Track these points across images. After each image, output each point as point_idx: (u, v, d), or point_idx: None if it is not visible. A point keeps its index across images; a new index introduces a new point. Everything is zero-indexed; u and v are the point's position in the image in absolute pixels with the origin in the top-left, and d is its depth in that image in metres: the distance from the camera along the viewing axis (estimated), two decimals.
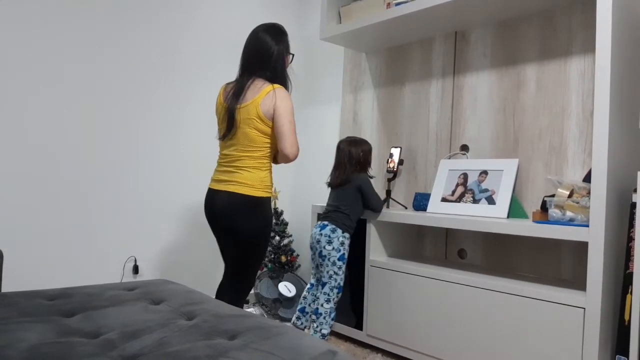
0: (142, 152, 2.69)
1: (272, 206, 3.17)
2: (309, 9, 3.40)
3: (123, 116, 2.61)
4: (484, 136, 2.41)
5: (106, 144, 2.56)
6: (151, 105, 2.72)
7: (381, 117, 2.89)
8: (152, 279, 1.87)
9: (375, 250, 2.43)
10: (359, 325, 2.46)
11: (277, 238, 3.10)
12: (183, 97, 2.86)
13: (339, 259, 2.30)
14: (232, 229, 1.97)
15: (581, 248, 2.03)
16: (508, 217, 2.09)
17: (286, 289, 2.90)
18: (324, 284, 2.32)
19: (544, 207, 1.96)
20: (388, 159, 2.71)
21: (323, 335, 2.29)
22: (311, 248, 2.39)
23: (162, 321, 1.31)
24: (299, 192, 3.39)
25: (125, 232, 2.64)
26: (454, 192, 2.32)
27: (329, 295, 2.30)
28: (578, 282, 2.01)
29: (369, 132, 2.96)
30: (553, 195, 1.92)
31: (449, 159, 2.51)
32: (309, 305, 2.42)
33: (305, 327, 2.42)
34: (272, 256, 3.04)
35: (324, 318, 2.29)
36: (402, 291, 2.24)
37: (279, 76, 1.98)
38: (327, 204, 2.42)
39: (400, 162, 2.68)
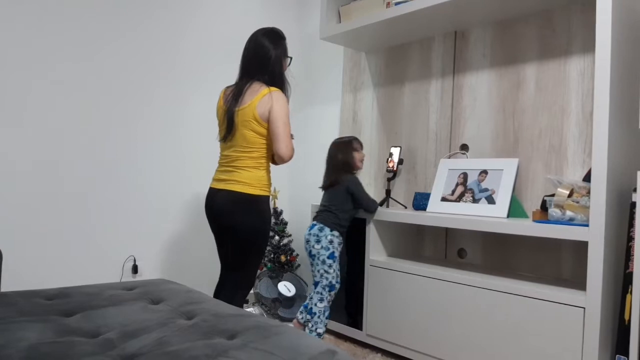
0: (142, 151, 2.69)
1: (272, 206, 3.18)
2: (308, 8, 3.40)
3: (122, 116, 2.61)
4: (484, 136, 2.40)
5: (106, 144, 2.56)
6: (151, 104, 2.72)
7: (381, 116, 2.89)
8: (152, 279, 1.87)
9: (375, 250, 2.43)
10: (358, 325, 2.46)
11: (277, 238, 3.10)
12: (183, 97, 2.85)
13: (328, 257, 2.32)
14: (231, 226, 2.01)
15: (581, 247, 2.03)
16: (508, 216, 2.09)
17: (286, 288, 2.89)
18: (316, 284, 2.35)
19: (544, 207, 1.96)
20: (388, 159, 2.71)
21: (319, 335, 2.29)
22: (305, 249, 2.41)
23: (162, 321, 1.31)
24: (299, 192, 3.39)
25: (125, 232, 2.64)
26: (453, 191, 2.32)
27: (321, 294, 2.32)
28: (578, 281, 2.01)
29: (368, 132, 2.96)
30: (553, 195, 1.92)
31: (449, 158, 2.50)
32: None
33: (305, 322, 2.43)
34: (272, 256, 3.04)
35: (318, 317, 2.31)
36: (402, 291, 2.24)
37: (276, 79, 2.02)
38: (319, 205, 2.45)
39: (400, 161, 2.68)
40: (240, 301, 2.09)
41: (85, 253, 2.50)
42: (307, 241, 2.37)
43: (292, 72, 2.17)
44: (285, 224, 3.18)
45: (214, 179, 2.10)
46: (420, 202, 2.41)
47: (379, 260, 2.37)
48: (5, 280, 2.13)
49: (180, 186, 2.86)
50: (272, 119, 1.93)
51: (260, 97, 1.94)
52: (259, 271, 2.84)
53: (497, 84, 2.37)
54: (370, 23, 2.48)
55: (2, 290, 2.03)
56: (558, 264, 2.13)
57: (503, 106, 2.34)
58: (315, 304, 2.32)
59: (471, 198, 2.24)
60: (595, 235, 1.68)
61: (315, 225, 2.36)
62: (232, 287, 2.10)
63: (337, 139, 2.53)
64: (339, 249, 2.36)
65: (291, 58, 2.14)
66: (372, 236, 2.42)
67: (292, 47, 3.37)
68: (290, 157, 1.97)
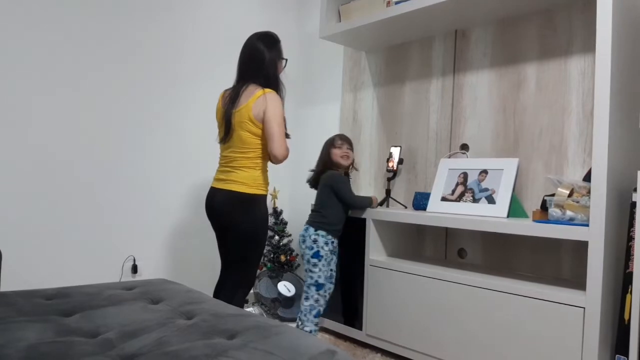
0: (142, 151, 2.69)
1: (272, 205, 3.18)
2: (308, 7, 3.39)
3: (123, 116, 2.61)
4: (484, 135, 2.40)
5: (106, 144, 2.55)
6: (151, 104, 2.72)
7: (381, 116, 2.89)
8: (151, 279, 1.87)
9: (375, 250, 2.43)
10: (358, 325, 2.45)
11: (277, 238, 3.09)
12: (184, 97, 2.85)
13: (312, 257, 2.35)
14: (230, 225, 2.06)
15: (581, 247, 2.03)
16: (508, 216, 2.09)
17: (285, 288, 2.89)
18: (305, 282, 2.39)
19: (544, 207, 1.95)
20: (388, 158, 2.71)
21: (309, 332, 2.31)
22: None
23: (161, 320, 1.30)
24: (299, 192, 3.39)
25: (124, 232, 2.64)
26: (453, 191, 2.32)
27: (307, 292, 2.36)
28: (578, 281, 2.00)
29: (368, 131, 2.96)
30: (553, 195, 1.92)
31: (449, 158, 2.50)
32: None
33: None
34: (272, 256, 3.04)
35: (305, 315, 2.35)
36: (402, 291, 2.24)
37: (271, 81, 2.08)
38: None
39: (400, 161, 2.67)
40: (240, 301, 2.10)
41: (85, 253, 2.50)
42: (298, 242, 2.45)
43: (286, 74, 2.21)
44: (285, 224, 3.18)
45: (214, 179, 2.15)
46: (421, 201, 2.41)
47: (378, 260, 2.37)
48: (5, 280, 2.13)
49: (180, 186, 2.86)
50: (267, 120, 1.98)
51: (255, 98, 1.99)
52: (258, 271, 2.83)
53: (497, 84, 2.36)
54: (370, 22, 2.48)
55: (2, 290, 2.03)
56: (558, 263, 2.12)
57: (503, 106, 2.34)
58: (302, 302, 2.37)
59: (471, 198, 2.23)
60: (595, 235, 1.68)
61: (304, 226, 2.42)
62: (232, 287, 2.11)
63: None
64: (327, 248, 2.36)
65: (286, 60, 2.18)
66: (372, 236, 2.41)
67: (292, 46, 3.39)
68: (285, 157, 2.02)
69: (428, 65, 2.66)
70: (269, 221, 3.03)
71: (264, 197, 2.10)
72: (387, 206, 2.65)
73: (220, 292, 2.16)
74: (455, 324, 2.03)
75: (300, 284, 2.98)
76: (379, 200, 2.65)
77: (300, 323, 2.35)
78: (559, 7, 2.16)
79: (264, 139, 2.03)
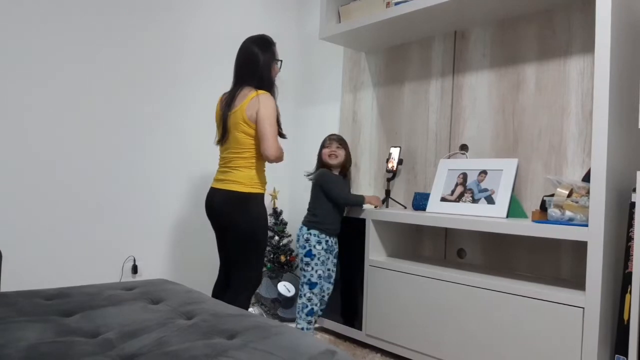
0: (141, 151, 2.69)
1: (272, 206, 3.18)
2: (308, 8, 3.40)
3: (122, 116, 2.61)
4: (484, 136, 2.40)
5: (106, 144, 2.56)
6: (151, 104, 2.72)
7: (380, 116, 2.89)
8: (151, 279, 1.87)
9: (375, 250, 2.43)
10: (358, 325, 2.46)
11: (277, 238, 3.10)
12: (184, 97, 2.85)
13: (305, 255, 2.38)
14: (229, 224, 2.10)
15: (580, 247, 2.03)
16: (507, 216, 2.09)
17: (285, 288, 2.90)
18: (299, 281, 2.43)
19: (543, 207, 1.96)
20: (387, 159, 2.71)
21: (301, 329, 2.33)
22: None
23: (161, 321, 1.31)
24: (298, 192, 3.39)
25: (124, 232, 2.64)
26: (453, 191, 2.32)
27: (301, 291, 2.40)
28: (577, 281, 2.01)
29: (368, 132, 2.96)
30: (552, 195, 1.92)
31: (449, 158, 2.50)
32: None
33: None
34: (272, 256, 3.04)
35: (298, 313, 2.39)
36: (402, 291, 2.24)
37: (265, 83, 2.13)
38: None
39: (400, 161, 2.68)
40: (245, 302, 2.11)
41: (85, 253, 2.50)
42: (296, 242, 2.50)
43: (281, 75, 2.27)
44: (285, 224, 3.18)
45: (214, 180, 2.19)
46: (420, 202, 2.41)
47: (378, 261, 2.37)
48: (5, 280, 2.13)
49: (180, 186, 2.86)
50: (259, 120, 2.03)
51: (249, 100, 2.05)
52: None
53: (497, 84, 2.37)
54: (370, 23, 2.48)
55: (2, 290, 2.03)
56: (557, 264, 2.13)
57: (503, 106, 2.34)
58: (297, 301, 2.42)
59: (471, 198, 2.24)
60: (594, 235, 1.68)
61: (300, 225, 2.47)
62: (236, 288, 2.13)
63: None
64: (320, 247, 2.37)
65: (281, 61, 2.23)
66: (372, 236, 2.42)
67: (292, 47, 3.40)
68: (276, 156, 2.06)
69: (427, 65, 2.66)
70: (269, 221, 3.04)
71: (261, 195, 2.13)
72: (387, 206, 2.66)
73: (223, 293, 2.18)
74: (454, 324, 2.04)
75: None
76: (381, 199, 2.65)
77: (296, 321, 2.40)
78: (558, 7, 2.16)
79: (258, 138, 2.07)
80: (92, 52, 2.49)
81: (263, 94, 2.06)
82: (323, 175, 2.43)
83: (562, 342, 1.73)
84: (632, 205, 1.68)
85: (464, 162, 2.37)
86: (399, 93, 2.80)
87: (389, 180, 2.73)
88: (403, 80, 2.78)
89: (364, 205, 2.45)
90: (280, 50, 2.26)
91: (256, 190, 2.11)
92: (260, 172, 2.14)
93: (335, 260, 2.46)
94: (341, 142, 2.49)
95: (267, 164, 2.17)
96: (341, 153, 2.47)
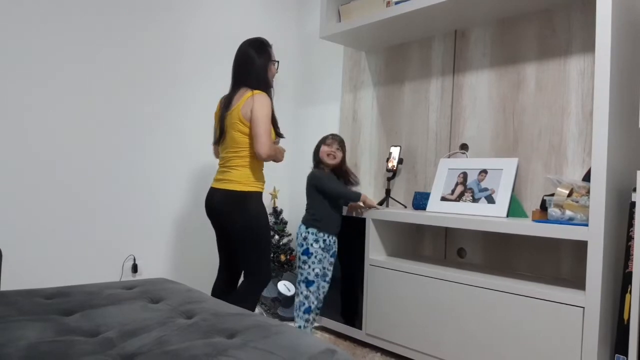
0: (141, 151, 2.69)
1: (272, 205, 3.19)
2: (308, 7, 3.39)
3: (122, 116, 2.61)
4: (484, 135, 2.40)
5: (106, 144, 2.56)
6: (151, 104, 2.72)
7: (381, 116, 2.89)
8: (151, 278, 1.87)
9: (375, 249, 2.43)
10: (358, 324, 2.46)
11: (277, 237, 3.10)
12: (184, 97, 2.85)
13: (302, 254, 2.40)
14: (228, 223, 2.12)
15: (580, 247, 2.03)
16: (507, 216, 2.09)
17: (285, 288, 2.90)
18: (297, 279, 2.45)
19: (544, 206, 1.96)
20: (388, 158, 2.71)
21: (298, 327, 2.34)
22: None
23: (161, 320, 1.31)
24: (298, 191, 3.39)
25: (124, 231, 2.64)
26: (453, 191, 2.32)
27: (298, 289, 2.42)
28: (577, 281, 2.01)
29: (368, 131, 2.96)
30: (552, 195, 1.92)
31: (449, 158, 2.50)
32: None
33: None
34: (272, 255, 3.04)
35: (295, 311, 2.41)
36: (402, 290, 2.24)
37: (261, 84, 2.15)
38: None
39: (400, 161, 2.67)
40: (252, 303, 2.12)
41: (85, 252, 2.50)
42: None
43: (280, 76, 2.30)
44: (285, 223, 3.18)
45: (214, 179, 2.21)
46: (420, 201, 2.41)
47: (378, 260, 2.37)
48: (5, 279, 2.13)
49: (180, 185, 2.86)
50: (253, 120, 2.05)
51: (245, 99, 2.08)
52: None
53: (497, 84, 2.37)
54: (370, 22, 2.48)
55: (2, 289, 2.03)
56: (557, 263, 2.13)
57: (503, 106, 2.34)
58: (295, 299, 2.44)
59: (471, 197, 2.24)
60: (594, 235, 1.68)
61: (299, 224, 2.49)
62: (242, 288, 2.14)
63: None
64: (317, 245, 2.38)
65: (278, 62, 2.26)
66: (372, 236, 2.42)
67: (292, 46, 3.40)
68: (268, 155, 2.06)
69: (428, 65, 2.66)
70: (269, 220, 3.04)
71: (259, 193, 2.15)
72: (387, 206, 2.66)
73: (224, 293, 2.19)
74: (454, 323, 2.04)
75: None
76: (378, 200, 2.66)
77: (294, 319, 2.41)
78: (558, 7, 2.16)
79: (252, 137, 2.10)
80: (92, 52, 2.49)
81: (258, 94, 2.08)
82: (313, 174, 2.45)
83: (562, 341, 1.73)
84: (632, 204, 1.68)
85: (464, 162, 2.37)
86: (399, 92, 2.80)
87: (389, 179, 2.73)
88: (403, 80, 2.78)
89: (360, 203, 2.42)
90: (280, 50, 2.26)
91: (254, 188, 2.12)
92: (258, 170, 2.15)
93: (332, 260, 2.46)
94: (342, 144, 2.49)
95: (265, 162, 2.18)
96: (339, 155, 2.47)
